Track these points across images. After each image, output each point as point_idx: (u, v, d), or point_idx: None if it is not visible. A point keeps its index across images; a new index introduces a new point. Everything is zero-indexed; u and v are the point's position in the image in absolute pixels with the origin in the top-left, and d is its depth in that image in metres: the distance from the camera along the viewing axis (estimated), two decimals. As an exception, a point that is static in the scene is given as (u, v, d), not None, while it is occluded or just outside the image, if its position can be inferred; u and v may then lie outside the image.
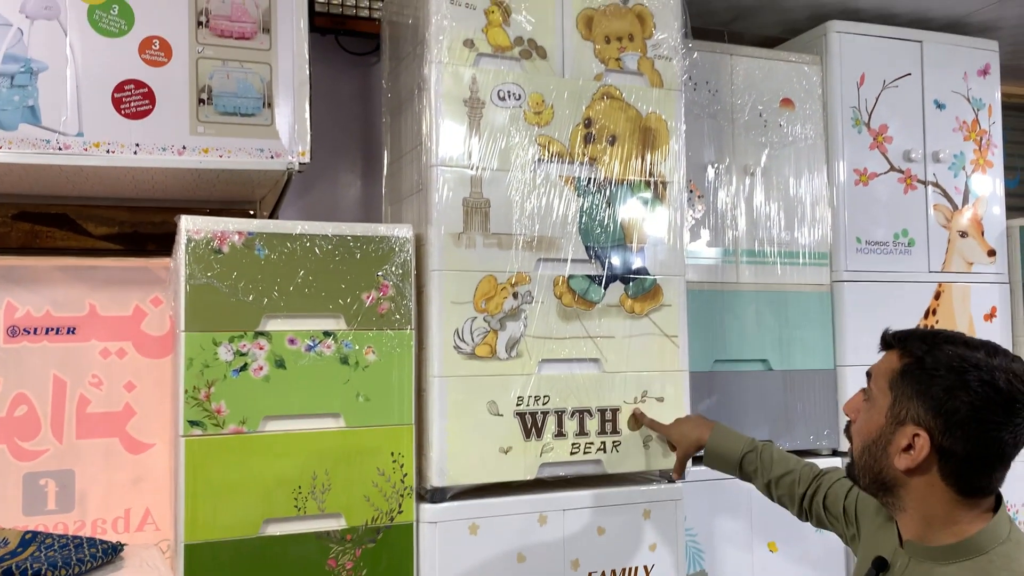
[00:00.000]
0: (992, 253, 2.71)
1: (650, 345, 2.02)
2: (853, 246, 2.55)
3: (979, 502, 1.19)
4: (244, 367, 1.73)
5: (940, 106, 2.69)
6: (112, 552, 1.84)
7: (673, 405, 2.03)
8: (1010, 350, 1.24)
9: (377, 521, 1.80)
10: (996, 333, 2.69)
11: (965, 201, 2.70)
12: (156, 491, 2.16)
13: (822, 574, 2.43)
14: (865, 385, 1.31)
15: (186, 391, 1.69)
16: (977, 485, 1.18)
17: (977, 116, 2.74)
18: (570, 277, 1.96)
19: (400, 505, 1.82)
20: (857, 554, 1.45)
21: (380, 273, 1.84)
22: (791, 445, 2.44)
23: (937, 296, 2.62)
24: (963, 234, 2.68)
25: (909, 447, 1.18)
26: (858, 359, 2.51)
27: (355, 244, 1.82)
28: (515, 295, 1.91)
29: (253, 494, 1.72)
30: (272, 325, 1.76)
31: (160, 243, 2.27)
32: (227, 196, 2.24)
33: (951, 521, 1.18)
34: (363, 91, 2.47)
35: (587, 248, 1.98)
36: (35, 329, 2.09)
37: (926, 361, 1.18)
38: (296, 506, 1.75)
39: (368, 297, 1.83)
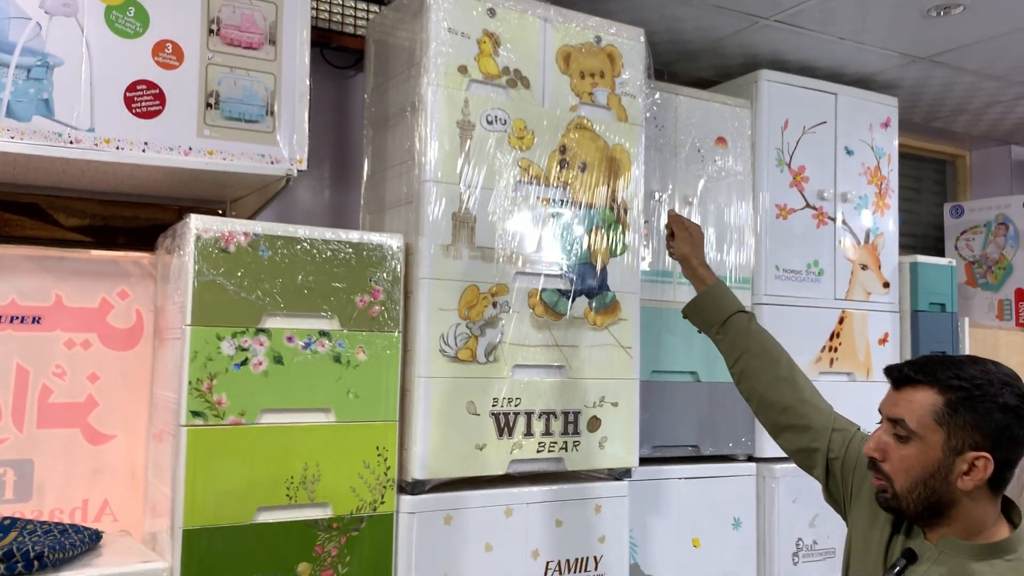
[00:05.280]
0: (887, 285, 3.07)
1: (608, 355, 2.22)
2: (772, 273, 2.84)
3: (999, 499, 1.37)
4: (245, 362, 1.82)
5: (849, 152, 3.03)
6: (95, 539, 1.88)
7: (626, 410, 2.25)
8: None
9: (361, 511, 1.92)
10: (887, 356, 3.04)
11: (866, 238, 3.05)
12: (115, 482, 2.18)
13: (735, 565, 2.69)
14: (883, 424, 1.40)
15: (190, 383, 1.76)
16: (1006, 481, 1.34)
17: (879, 163, 3.10)
18: (543, 290, 2.14)
19: (383, 496, 1.94)
20: (850, 514, 1.59)
21: (372, 279, 1.96)
22: (714, 450, 2.69)
23: (841, 321, 2.95)
24: (864, 267, 3.03)
25: (971, 469, 1.31)
26: (773, 374, 2.80)
27: (351, 250, 1.94)
28: (495, 304, 2.07)
29: (248, 483, 1.81)
30: (272, 323, 1.86)
31: (130, 237, 2.30)
32: (200, 195, 2.29)
33: (987, 525, 1.35)
34: (339, 103, 2.58)
35: (558, 265, 2.17)
36: (-1, 317, 2.09)
37: (970, 392, 1.31)
38: (288, 495, 1.85)
39: (361, 300, 1.95)
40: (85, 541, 1.82)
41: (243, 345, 1.82)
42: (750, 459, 2.78)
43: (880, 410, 1.43)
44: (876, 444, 1.39)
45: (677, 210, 2.66)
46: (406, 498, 1.97)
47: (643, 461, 2.56)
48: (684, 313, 1.92)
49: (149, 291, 2.22)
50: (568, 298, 2.17)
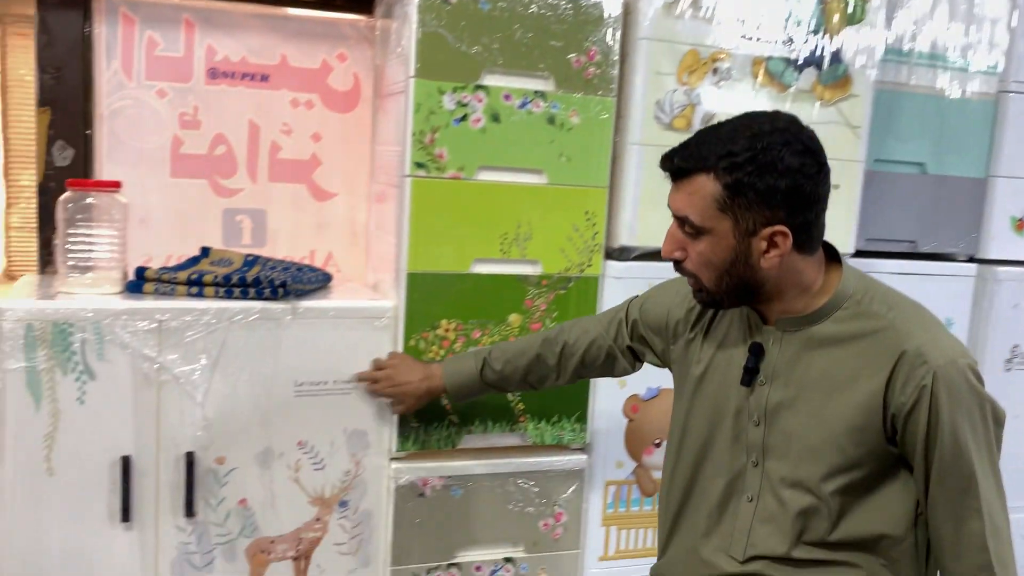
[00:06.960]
0: None
1: (834, 133, 2.08)
2: (1028, 62, 2.51)
3: (817, 253, 1.28)
4: (464, 117, 1.85)
5: None
6: (326, 279, 2.05)
7: (847, 194, 2.13)
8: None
9: (569, 271, 1.97)
10: None
11: None
12: (338, 237, 2.34)
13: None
14: (675, 222, 1.29)
15: (413, 134, 1.82)
16: (815, 239, 1.26)
17: None
18: (768, 58, 2.00)
19: (590, 259, 1.98)
20: (683, 358, 1.49)
21: (589, 39, 1.90)
22: (934, 247, 2.52)
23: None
24: None
25: (770, 246, 1.22)
26: (1011, 171, 2.55)
27: (569, 5, 1.88)
28: (715, 71, 1.96)
29: (465, 234, 1.89)
30: (490, 80, 1.86)
31: (347, -1, 2.32)
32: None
33: (815, 282, 1.27)
34: None
35: (788, 31, 2.00)
36: (232, 73, 2.21)
37: (745, 168, 1.18)
38: (501, 249, 1.92)
39: (576, 61, 1.90)
40: (319, 278, 1.99)
41: (463, 100, 1.84)
42: (971, 260, 2.59)
43: (669, 206, 1.29)
44: (673, 244, 1.29)
45: None
46: (612, 263, 2.00)
47: (857, 254, 2.45)
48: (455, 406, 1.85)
49: (367, 55, 2.27)
50: (796, 68, 2.02)
